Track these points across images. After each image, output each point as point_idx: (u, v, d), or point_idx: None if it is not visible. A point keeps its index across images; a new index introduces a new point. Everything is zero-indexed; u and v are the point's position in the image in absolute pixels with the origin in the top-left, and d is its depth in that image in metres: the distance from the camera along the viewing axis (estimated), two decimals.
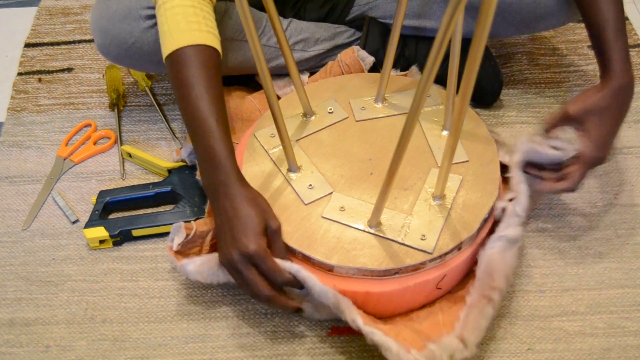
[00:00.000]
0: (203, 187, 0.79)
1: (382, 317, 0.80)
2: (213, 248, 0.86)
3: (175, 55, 0.79)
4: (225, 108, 0.79)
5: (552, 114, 0.81)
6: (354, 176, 0.84)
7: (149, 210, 0.97)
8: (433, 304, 0.82)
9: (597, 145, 0.76)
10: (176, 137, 1.06)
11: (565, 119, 0.79)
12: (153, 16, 0.90)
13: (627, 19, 1.24)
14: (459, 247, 0.78)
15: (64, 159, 1.04)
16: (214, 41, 0.81)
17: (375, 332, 0.71)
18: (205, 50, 0.79)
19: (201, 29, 0.80)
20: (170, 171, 0.98)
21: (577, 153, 0.78)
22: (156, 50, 0.90)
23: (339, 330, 0.82)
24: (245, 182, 0.76)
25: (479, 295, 0.75)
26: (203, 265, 0.78)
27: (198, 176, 0.92)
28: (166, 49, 0.80)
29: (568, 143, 0.79)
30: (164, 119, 1.08)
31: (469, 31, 0.65)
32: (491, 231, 0.81)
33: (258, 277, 0.73)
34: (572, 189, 0.79)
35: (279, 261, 0.74)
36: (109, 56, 0.95)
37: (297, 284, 0.74)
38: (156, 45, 0.88)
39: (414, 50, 1.07)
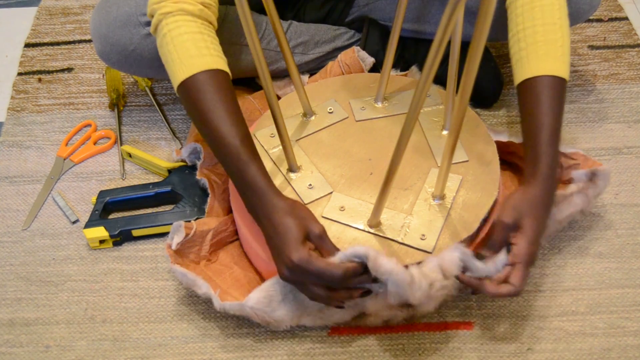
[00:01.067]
0: (249, 211, 0.76)
1: None
2: (213, 247, 0.86)
3: (190, 82, 0.77)
4: (247, 128, 0.77)
5: (492, 235, 0.77)
6: (354, 176, 0.84)
7: (149, 210, 0.97)
8: None
9: (532, 242, 0.73)
10: (176, 137, 1.06)
11: (504, 230, 0.76)
12: None
13: (626, 18, 1.24)
14: None
15: (64, 159, 1.04)
16: (224, 65, 0.80)
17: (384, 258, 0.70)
18: (218, 74, 0.78)
19: (211, 53, 0.78)
20: (170, 171, 0.98)
21: (514, 255, 0.74)
22: (156, 57, 0.90)
23: (339, 330, 0.82)
24: (281, 195, 0.74)
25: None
26: (184, 277, 0.80)
27: (198, 176, 0.92)
28: (178, 77, 0.78)
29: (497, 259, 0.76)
30: (164, 119, 1.08)
31: (468, 35, 0.65)
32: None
33: (316, 283, 0.71)
34: (517, 293, 0.73)
35: (331, 258, 0.71)
36: (110, 62, 0.95)
37: (357, 271, 0.70)
38: (156, 51, 0.87)
39: (413, 52, 1.07)
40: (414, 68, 1.05)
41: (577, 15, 0.94)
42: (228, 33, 0.96)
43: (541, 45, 0.80)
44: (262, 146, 0.88)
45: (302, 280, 0.71)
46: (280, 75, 1.05)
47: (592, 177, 0.86)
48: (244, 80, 1.06)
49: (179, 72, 0.78)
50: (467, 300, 0.85)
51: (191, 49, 0.78)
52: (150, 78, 1.14)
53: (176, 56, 0.78)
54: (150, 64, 0.93)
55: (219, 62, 0.79)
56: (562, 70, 0.80)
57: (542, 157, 0.77)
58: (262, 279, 0.86)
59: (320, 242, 0.72)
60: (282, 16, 1.06)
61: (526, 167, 0.79)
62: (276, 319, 0.78)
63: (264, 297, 0.77)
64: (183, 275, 0.79)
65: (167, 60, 0.80)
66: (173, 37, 0.78)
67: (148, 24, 0.90)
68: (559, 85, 0.80)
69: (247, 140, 0.76)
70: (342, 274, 0.69)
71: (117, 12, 0.90)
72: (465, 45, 0.68)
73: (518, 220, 0.74)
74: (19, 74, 1.18)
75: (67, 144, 1.06)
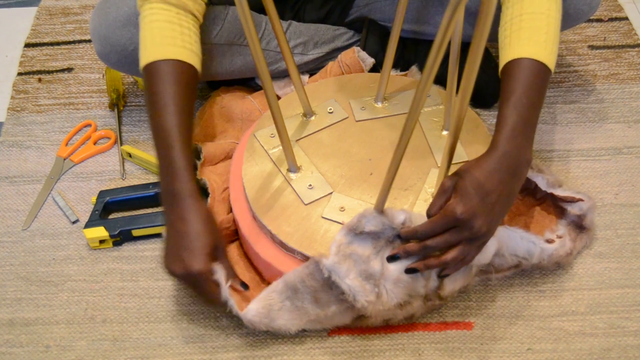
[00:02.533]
0: (160, 195, 0.79)
1: None
2: None
3: (148, 68, 0.81)
4: (192, 122, 0.80)
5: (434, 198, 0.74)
6: (354, 176, 0.84)
7: (149, 210, 0.97)
8: None
9: (467, 201, 0.68)
10: None
11: (443, 192, 0.71)
12: None
13: (626, 18, 1.24)
14: None
15: (64, 159, 1.04)
16: (189, 57, 0.82)
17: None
18: (177, 65, 0.81)
19: (176, 44, 0.81)
20: None
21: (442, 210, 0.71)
22: None
23: (338, 330, 0.82)
24: (200, 198, 0.76)
25: None
26: None
27: (198, 176, 0.92)
28: (142, 61, 0.82)
29: None
30: None
31: (468, 36, 0.65)
32: None
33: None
34: (439, 264, 0.72)
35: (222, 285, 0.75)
36: (109, 63, 0.95)
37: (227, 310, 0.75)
38: None
39: (413, 52, 1.07)
40: (414, 68, 1.05)
41: (577, 16, 0.94)
42: (228, 33, 0.96)
43: (524, 32, 0.78)
44: (262, 146, 0.88)
45: (185, 284, 0.77)
46: (280, 75, 1.05)
47: (579, 219, 0.86)
48: (244, 80, 1.06)
49: (142, 56, 0.82)
50: (467, 301, 0.85)
51: (156, 37, 0.81)
52: None
53: (143, 42, 0.82)
54: None
55: (183, 53, 0.81)
56: (543, 55, 0.77)
57: (502, 122, 0.74)
58: (263, 279, 0.86)
59: (222, 260, 0.75)
60: (282, 16, 1.06)
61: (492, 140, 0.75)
62: (276, 328, 0.78)
63: (262, 308, 0.76)
64: None
65: (140, 42, 0.83)
66: (145, 24, 0.82)
67: None
68: (538, 69, 0.76)
69: (186, 133, 0.79)
70: (220, 306, 0.75)
71: (116, 13, 0.90)
72: (465, 46, 0.67)
73: (457, 184, 0.70)
74: (19, 74, 1.18)
75: (67, 144, 1.06)
